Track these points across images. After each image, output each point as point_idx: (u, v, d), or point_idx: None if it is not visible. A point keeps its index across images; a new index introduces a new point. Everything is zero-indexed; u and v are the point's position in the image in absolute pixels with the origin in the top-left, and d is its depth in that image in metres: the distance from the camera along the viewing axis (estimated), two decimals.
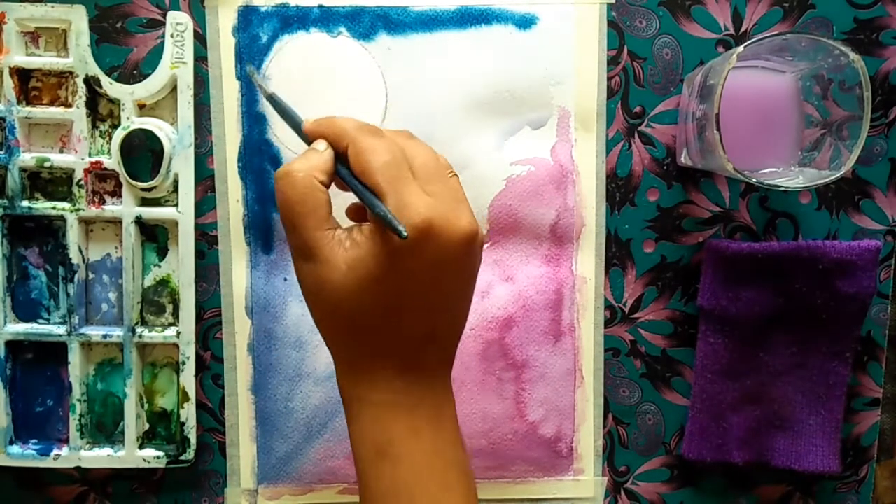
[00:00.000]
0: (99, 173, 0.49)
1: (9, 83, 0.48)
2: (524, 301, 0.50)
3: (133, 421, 0.49)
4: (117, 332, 0.49)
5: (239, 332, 0.50)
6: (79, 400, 0.50)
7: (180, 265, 0.49)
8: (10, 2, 0.47)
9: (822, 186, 0.45)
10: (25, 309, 0.50)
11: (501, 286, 0.50)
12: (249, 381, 0.50)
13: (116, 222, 0.49)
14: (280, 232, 0.49)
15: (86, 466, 0.50)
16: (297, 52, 0.48)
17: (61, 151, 0.49)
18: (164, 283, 0.50)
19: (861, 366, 0.52)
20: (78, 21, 0.47)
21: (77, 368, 0.49)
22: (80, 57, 0.48)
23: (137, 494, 0.51)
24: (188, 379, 0.49)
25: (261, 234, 0.49)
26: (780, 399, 0.51)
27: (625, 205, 0.50)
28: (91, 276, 0.50)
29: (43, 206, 0.49)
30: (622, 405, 0.52)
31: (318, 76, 0.48)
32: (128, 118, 0.48)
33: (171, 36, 0.48)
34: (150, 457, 0.50)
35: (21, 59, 0.48)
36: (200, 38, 0.49)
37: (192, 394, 0.49)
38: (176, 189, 0.49)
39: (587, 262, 0.50)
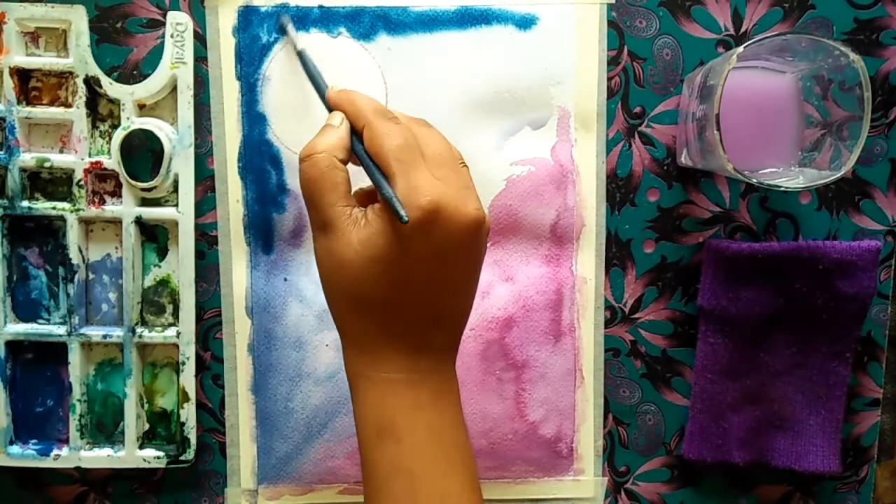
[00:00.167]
0: (99, 173, 0.49)
1: (9, 83, 0.48)
2: (524, 301, 0.50)
3: (133, 421, 0.49)
4: (117, 333, 0.49)
5: (239, 332, 0.50)
6: (79, 400, 0.50)
7: (180, 265, 0.49)
8: (10, 2, 0.47)
9: (822, 187, 0.45)
10: (25, 309, 0.50)
11: (501, 286, 0.50)
12: (249, 381, 0.50)
13: (116, 222, 0.49)
14: (280, 232, 0.49)
15: (86, 466, 0.50)
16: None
17: (61, 151, 0.49)
18: (164, 283, 0.50)
19: (861, 366, 0.52)
20: (78, 21, 0.47)
21: (77, 368, 0.49)
22: (80, 57, 0.48)
23: (137, 494, 0.51)
24: (188, 379, 0.49)
25: (261, 234, 0.49)
26: (780, 399, 0.51)
27: (625, 205, 0.50)
28: (91, 276, 0.50)
29: (43, 206, 0.49)
30: (622, 405, 0.52)
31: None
32: (128, 118, 0.48)
33: (171, 36, 0.48)
34: (150, 457, 0.50)
35: (21, 59, 0.48)
36: (200, 39, 0.49)
37: (192, 394, 0.49)
38: (176, 189, 0.49)
39: (587, 262, 0.50)
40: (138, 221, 0.49)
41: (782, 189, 0.43)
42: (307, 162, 0.37)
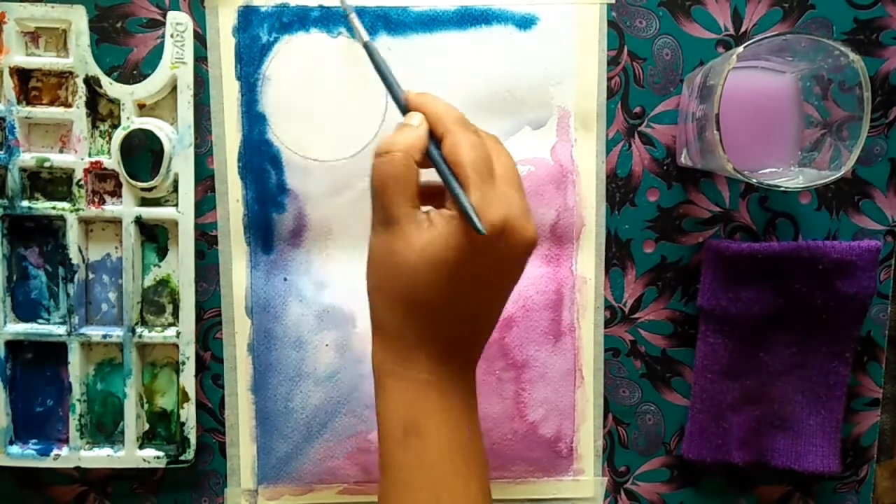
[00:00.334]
0: (99, 173, 0.49)
1: (9, 83, 0.48)
2: (524, 301, 0.50)
3: (133, 421, 0.49)
4: (117, 332, 0.49)
5: (239, 332, 0.50)
6: (79, 400, 0.50)
7: (180, 265, 0.49)
8: (10, 2, 0.47)
9: (822, 187, 0.45)
10: (25, 309, 0.50)
11: None
12: (249, 381, 0.50)
13: (116, 222, 0.49)
14: (280, 232, 0.49)
15: (86, 466, 0.50)
16: (297, 52, 0.48)
17: (61, 151, 0.49)
18: (164, 283, 0.50)
19: (861, 366, 0.52)
20: (78, 21, 0.47)
21: (77, 368, 0.49)
22: (80, 57, 0.48)
23: (137, 494, 0.51)
24: (188, 379, 0.49)
25: (261, 234, 0.49)
26: (780, 399, 0.51)
27: (625, 205, 0.51)
28: (91, 276, 0.50)
29: (43, 206, 0.49)
30: (622, 405, 0.52)
31: (318, 76, 0.48)
32: (128, 118, 0.48)
33: (171, 36, 0.48)
34: (150, 457, 0.50)
35: (21, 59, 0.48)
36: (200, 39, 0.49)
37: (192, 394, 0.49)
38: (176, 189, 0.49)
39: (587, 262, 0.50)
40: (138, 221, 0.49)
41: (782, 189, 0.43)
42: (384, 158, 0.36)
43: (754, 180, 0.42)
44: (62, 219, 0.49)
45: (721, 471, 0.52)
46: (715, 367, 0.50)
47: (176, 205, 0.49)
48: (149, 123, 0.48)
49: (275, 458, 0.50)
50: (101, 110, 0.49)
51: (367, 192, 0.38)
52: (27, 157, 0.48)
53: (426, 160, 0.38)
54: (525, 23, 0.49)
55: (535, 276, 0.50)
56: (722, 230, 0.51)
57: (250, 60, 0.48)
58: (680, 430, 0.52)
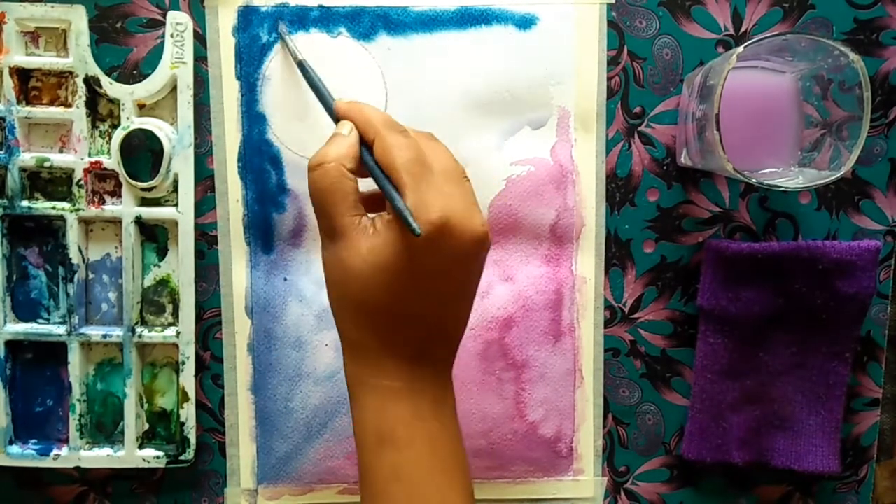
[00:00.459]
0: (99, 173, 0.49)
1: (9, 83, 0.48)
2: (524, 301, 0.50)
3: (133, 421, 0.49)
4: (117, 332, 0.49)
5: (239, 332, 0.50)
6: (78, 400, 0.50)
7: (180, 265, 0.49)
8: (10, 2, 0.47)
9: (821, 187, 0.45)
10: (25, 309, 0.50)
11: (501, 286, 0.50)
12: (249, 381, 0.50)
13: (116, 222, 0.49)
14: (280, 232, 0.49)
15: (85, 466, 0.50)
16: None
17: (61, 151, 0.49)
18: (163, 283, 0.50)
19: (861, 366, 0.52)
20: (78, 21, 0.47)
21: (77, 368, 0.49)
22: (79, 57, 0.48)
23: (137, 494, 0.51)
24: (188, 379, 0.49)
25: (261, 234, 0.49)
26: (780, 399, 0.51)
27: (625, 205, 0.51)
28: (91, 276, 0.50)
29: (43, 206, 0.49)
30: (622, 405, 0.52)
31: (318, 76, 0.48)
32: (128, 118, 0.48)
33: (171, 36, 0.48)
34: (150, 457, 0.50)
35: (21, 59, 0.48)
36: (200, 39, 0.49)
37: (191, 394, 0.49)
38: (176, 189, 0.49)
39: (587, 262, 0.50)
40: (138, 221, 0.49)
41: (782, 189, 0.43)
42: (318, 171, 0.37)
43: (754, 180, 0.42)
44: (62, 219, 0.49)
45: (721, 471, 0.52)
46: (715, 367, 0.50)
47: (176, 205, 0.49)
48: (149, 123, 0.48)
49: (275, 458, 0.50)
50: (101, 110, 0.49)
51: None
52: (27, 157, 0.48)
53: (362, 167, 0.38)
54: (525, 23, 0.49)
55: (535, 276, 0.50)
56: (722, 230, 0.51)
57: (250, 60, 0.48)
58: (680, 430, 0.52)
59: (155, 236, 0.50)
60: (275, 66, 0.48)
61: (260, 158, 0.49)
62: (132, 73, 0.49)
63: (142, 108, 0.49)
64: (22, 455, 0.49)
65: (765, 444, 0.51)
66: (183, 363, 0.49)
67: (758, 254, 0.48)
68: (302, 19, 0.48)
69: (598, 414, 0.51)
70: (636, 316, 0.51)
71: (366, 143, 0.38)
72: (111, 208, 0.49)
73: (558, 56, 0.49)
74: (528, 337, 0.50)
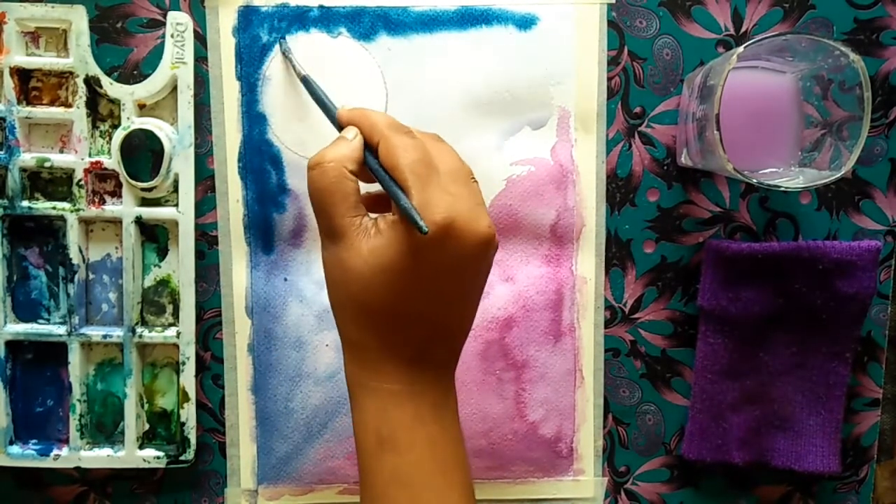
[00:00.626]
0: (99, 173, 0.49)
1: (9, 83, 0.48)
2: (524, 301, 0.50)
3: (133, 421, 0.49)
4: (117, 332, 0.49)
5: (239, 332, 0.50)
6: (79, 400, 0.50)
7: (180, 265, 0.49)
8: (10, 2, 0.47)
9: (822, 187, 0.45)
10: (25, 309, 0.50)
11: (501, 286, 0.50)
12: (249, 381, 0.50)
13: (116, 222, 0.49)
14: (280, 232, 0.49)
15: (86, 466, 0.50)
16: (297, 52, 0.48)
17: (61, 151, 0.49)
18: (164, 283, 0.50)
19: (861, 366, 0.52)
20: (78, 21, 0.47)
21: (77, 368, 0.49)
22: (80, 57, 0.48)
23: (137, 494, 0.51)
24: (188, 379, 0.49)
25: (261, 234, 0.49)
26: (780, 399, 0.51)
27: (625, 205, 0.51)
28: (91, 276, 0.50)
29: (43, 206, 0.49)
30: (622, 405, 0.52)
31: (318, 76, 0.48)
32: (128, 118, 0.48)
33: (172, 36, 0.48)
34: (150, 457, 0.50)
35: (21, 59, 0.48)
36: (200, 39, 0.49)
37: (192, 394, 0.49)
38: (176, 189, 0.49)
39: (587, 262, 0.50)
40: (138, 221, 0.49)
41: (782, 189, 0.43)
42: (316, 171, 0.37)
43: (754, 180, 0.42)
44: (62, 219, 0.49)
45: (721, 471, 0.52)
46: (715, 367, 0.50)
47: (176, 205, 0.49)
48: (149, 123, 0.48)
49: (275, 459, 0.50)
50: (101, 110, 0.49)
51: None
52: (27, 157, 0.48)
53: (366, 171, 0.37)
54: (525, 23, 0.49)
55: (535, 276, 0.50)
56: (722, 230, 0.51)
57: (250, 60, 0.48)
58: (680, 430, 0.52)
59: (155, 236, 0.50)
60: (275, 66, 0.48)
61: (260, 158, 0.49)
62: (132, 74, 0.49)
63: (142, 109, 0.49)
64: (22, 455, 0.49)
65: (765, 445, 0.51)
66: (183, 363, 0.49)
67: (758, 254, 0.48)
68: (302, 19, 0.48)
69: (598, 414, 0.51)
70: (636, 316, 0.51)
71: (371, 147, 0.38)
72: (111, 208, 0.49)
73: (558, 56, 0.49)
74: (529, 337, 0.50)
